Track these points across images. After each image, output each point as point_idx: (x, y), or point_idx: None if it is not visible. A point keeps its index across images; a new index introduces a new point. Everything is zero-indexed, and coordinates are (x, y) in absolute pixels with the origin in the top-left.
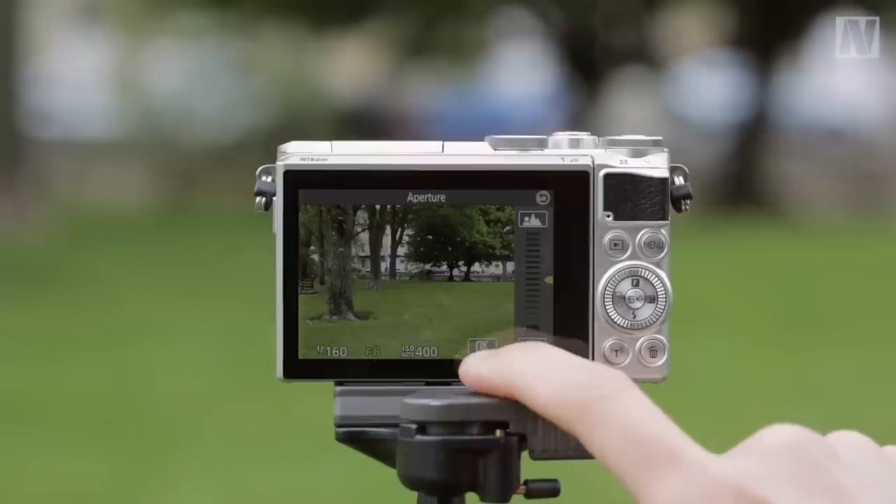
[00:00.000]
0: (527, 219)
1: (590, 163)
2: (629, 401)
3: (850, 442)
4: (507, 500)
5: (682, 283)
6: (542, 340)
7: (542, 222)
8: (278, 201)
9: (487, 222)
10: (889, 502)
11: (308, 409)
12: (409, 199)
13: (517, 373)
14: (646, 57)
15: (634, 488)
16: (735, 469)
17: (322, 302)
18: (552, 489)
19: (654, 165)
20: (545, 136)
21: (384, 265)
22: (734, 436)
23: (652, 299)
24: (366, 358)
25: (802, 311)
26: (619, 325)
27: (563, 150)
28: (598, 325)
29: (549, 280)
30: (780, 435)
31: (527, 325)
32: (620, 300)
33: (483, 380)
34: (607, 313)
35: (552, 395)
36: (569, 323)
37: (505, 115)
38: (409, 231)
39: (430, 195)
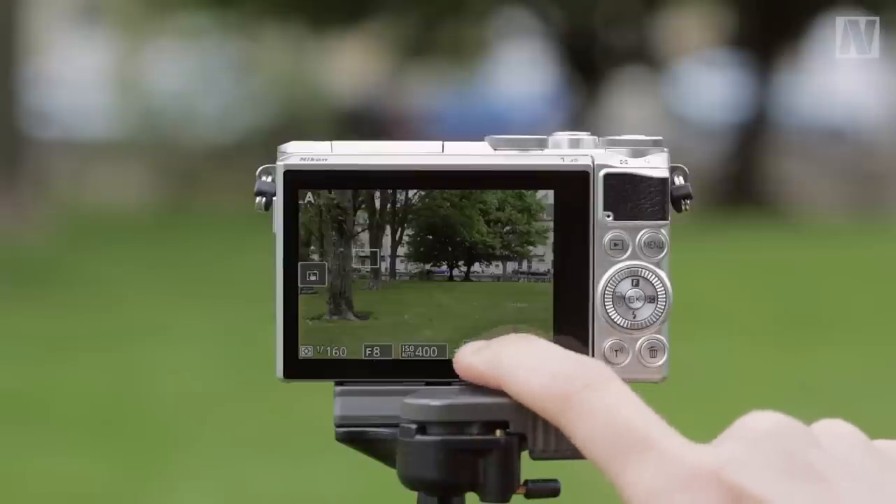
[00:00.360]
0: None
1: (590, 163)
2: (610, 392)
3: (834, 431)
4: (507, 501)
5: (682, 283)
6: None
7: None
8: (278, 201)
9: (487, 222)
10: (869, 490)
11: (308, 409)
12: (409, 199)
13: (505, 364)
14: (646, 57)
15: (613, 477)
16: (712, 456)
17: (322, 302)
18: (552, 489)
19: (654, 165)
20: (545, 136)
21: (384, 265)
22: None
23: (652, 299)
24: (366, 358)
25: (802, 311)
26: (618, 325)
27: (563, 150)
28: (598, 325)
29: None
30: (761, 421)
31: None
32: (620, 300)
33: (474, 370)
34: (607, 313)
35: (538, 387)
36: (569, 323)
37: (505, 115)
38: (409, 231)
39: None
